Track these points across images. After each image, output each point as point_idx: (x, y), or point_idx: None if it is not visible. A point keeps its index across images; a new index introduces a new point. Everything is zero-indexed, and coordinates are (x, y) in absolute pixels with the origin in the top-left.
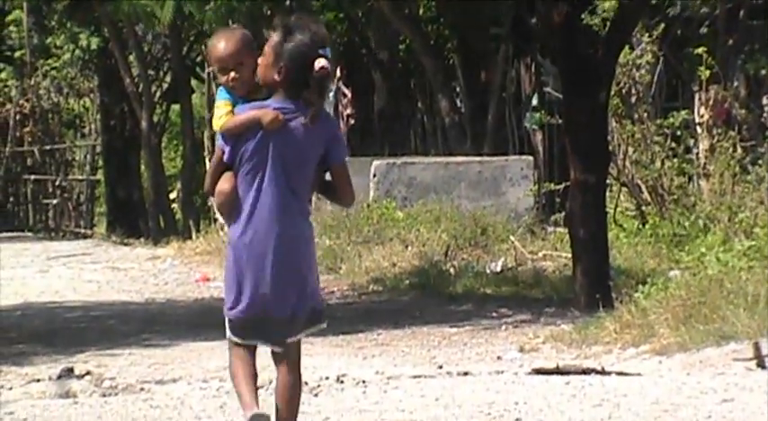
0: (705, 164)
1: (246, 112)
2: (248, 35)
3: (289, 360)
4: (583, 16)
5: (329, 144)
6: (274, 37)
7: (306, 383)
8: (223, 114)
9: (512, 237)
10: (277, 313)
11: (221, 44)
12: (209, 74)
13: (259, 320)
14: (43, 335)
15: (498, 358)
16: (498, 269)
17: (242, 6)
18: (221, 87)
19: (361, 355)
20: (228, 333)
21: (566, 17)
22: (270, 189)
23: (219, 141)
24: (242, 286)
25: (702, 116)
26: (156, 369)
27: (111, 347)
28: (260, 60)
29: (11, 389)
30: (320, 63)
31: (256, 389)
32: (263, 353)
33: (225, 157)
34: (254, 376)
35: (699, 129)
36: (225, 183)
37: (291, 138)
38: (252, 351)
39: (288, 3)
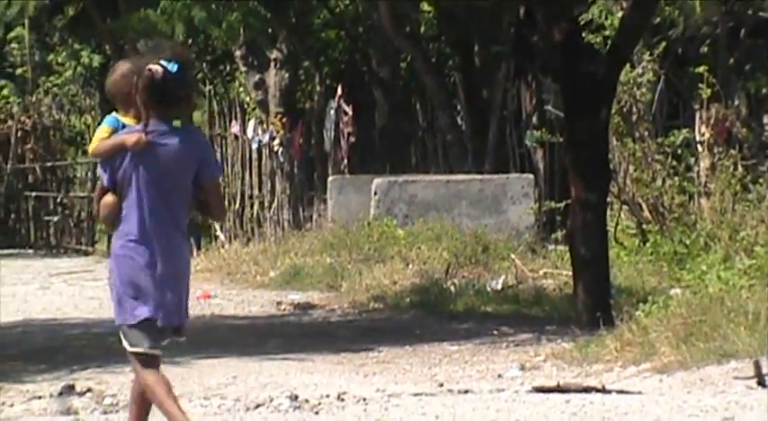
0: (706, 182)
1: (115, 137)
2: (130, 69)
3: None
4: (584, 34)
5: (200, 164)
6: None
7: (306, 401)
8: (98, 139)
9: (512, 255)
10: (158, 319)
11: (107, 81)
12: (210, 91)
13: (147, 325)
14: (44, 352)
15: (499, 376)
16: (499, 287)
17: (252, 23)
18: (110, 115)
19: (361, 373)
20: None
21: (567, 35)
22: (145, 206)
23: (100, 168)
24: (130, 296)
25: (703, 134)
26: None
27: (112, 364)
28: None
29: (12, 406)
30: (150, 67)
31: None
32: None
33: (104, 182)
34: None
35: (700, 148)
36: (109, 197)
37: (161, 157)
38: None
39: (292, 20)
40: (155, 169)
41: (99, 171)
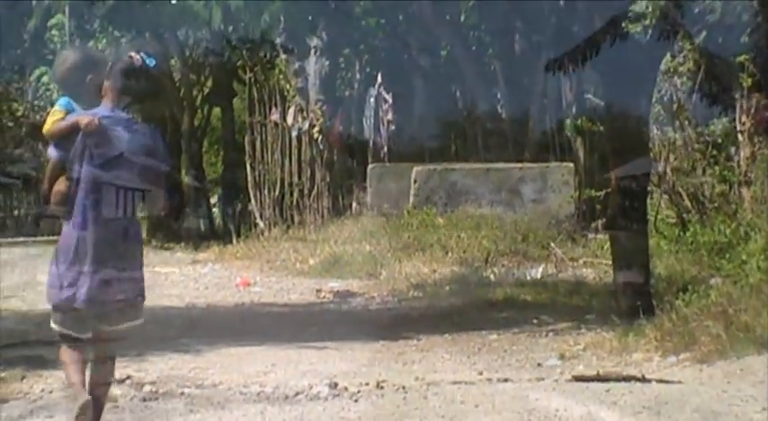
0: (746, 171)
1: (69, 119)
2: (81, 57)
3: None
4: (624, 24)
5: (148, 155)
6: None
7: (345, 389)
8: (52, 120)
9: (552, 244)
10: (105, 303)
11: (60, 68)
12: (250, 78)
13: (87, 311)
14: None
15: (538, 365)
16: (539, 276)
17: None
18: (64, 96)
19: (401, 361)
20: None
21: (608, 24)
22: (96, 187)
23: (52, 148)
24: (79, 277)
25: (744, 123)
26: (197, 373)
27: (151, 352)
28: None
29: (51, 392)
30: (131, 54)
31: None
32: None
33: (56, 159)
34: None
35: (740, 137)
36: (60, 185)
37: (111, 143)
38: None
39: (332, 8)
40: (106, 153)
41: (50, 151)
